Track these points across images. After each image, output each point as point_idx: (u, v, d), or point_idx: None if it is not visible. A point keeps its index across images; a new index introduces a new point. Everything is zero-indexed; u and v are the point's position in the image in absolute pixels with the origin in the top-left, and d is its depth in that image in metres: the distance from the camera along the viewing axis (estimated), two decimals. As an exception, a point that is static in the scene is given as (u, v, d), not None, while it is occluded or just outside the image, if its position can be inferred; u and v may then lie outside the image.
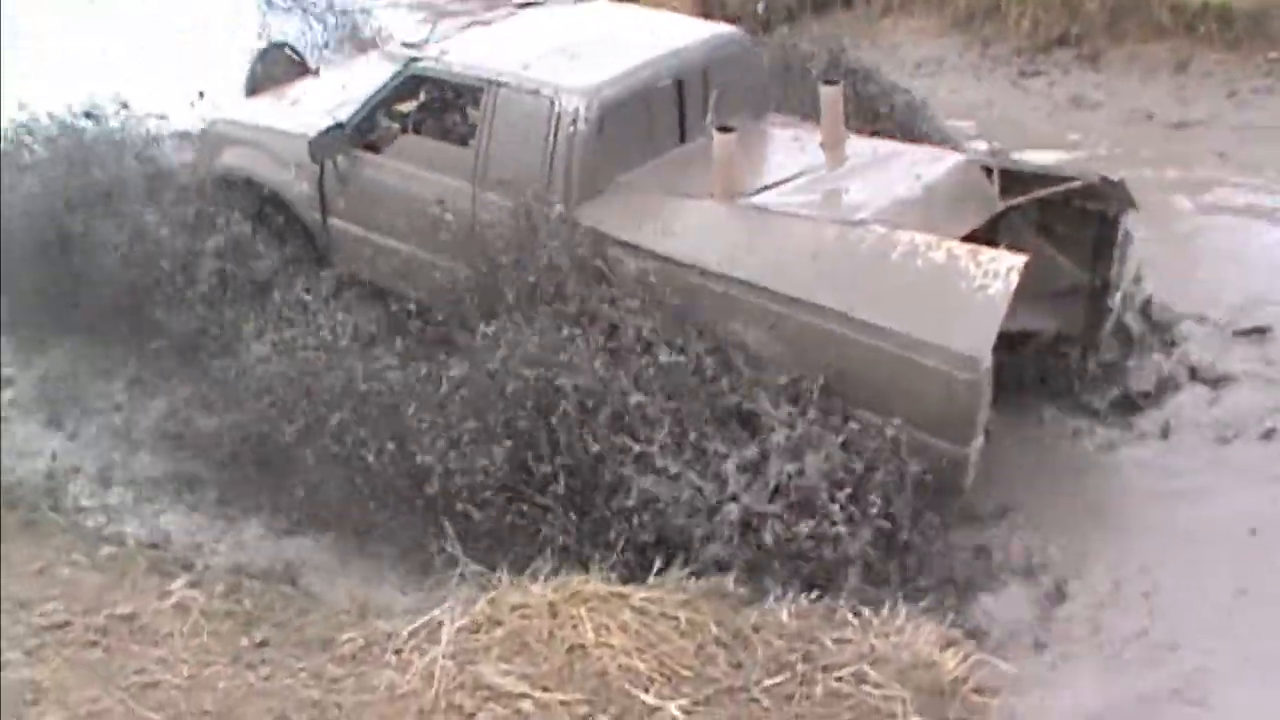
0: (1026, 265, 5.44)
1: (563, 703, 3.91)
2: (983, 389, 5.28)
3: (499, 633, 4.21)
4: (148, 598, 4.57)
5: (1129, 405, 6.45)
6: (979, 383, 5.25)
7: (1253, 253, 7.77)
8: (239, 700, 3.96)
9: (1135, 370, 6.64)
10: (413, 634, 4.23)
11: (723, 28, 7.23)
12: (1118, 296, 6.45)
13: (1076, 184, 6.17)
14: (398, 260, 6.60)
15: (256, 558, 5.33)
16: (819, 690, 4.02)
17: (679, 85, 6.46)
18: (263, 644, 4.32)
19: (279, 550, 5.41)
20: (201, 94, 7.81)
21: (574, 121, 6.07)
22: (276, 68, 7.88)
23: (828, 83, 6.67)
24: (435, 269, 6.38)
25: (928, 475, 5.28)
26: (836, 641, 4.30)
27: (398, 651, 4.18)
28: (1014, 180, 6.26)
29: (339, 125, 6.65)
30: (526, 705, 3.91)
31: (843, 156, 6.53)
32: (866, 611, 4.45)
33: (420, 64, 6.70)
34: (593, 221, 6.05)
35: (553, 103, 6.11)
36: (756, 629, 4.31)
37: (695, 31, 6.98)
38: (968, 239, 5.71)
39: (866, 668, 4.11)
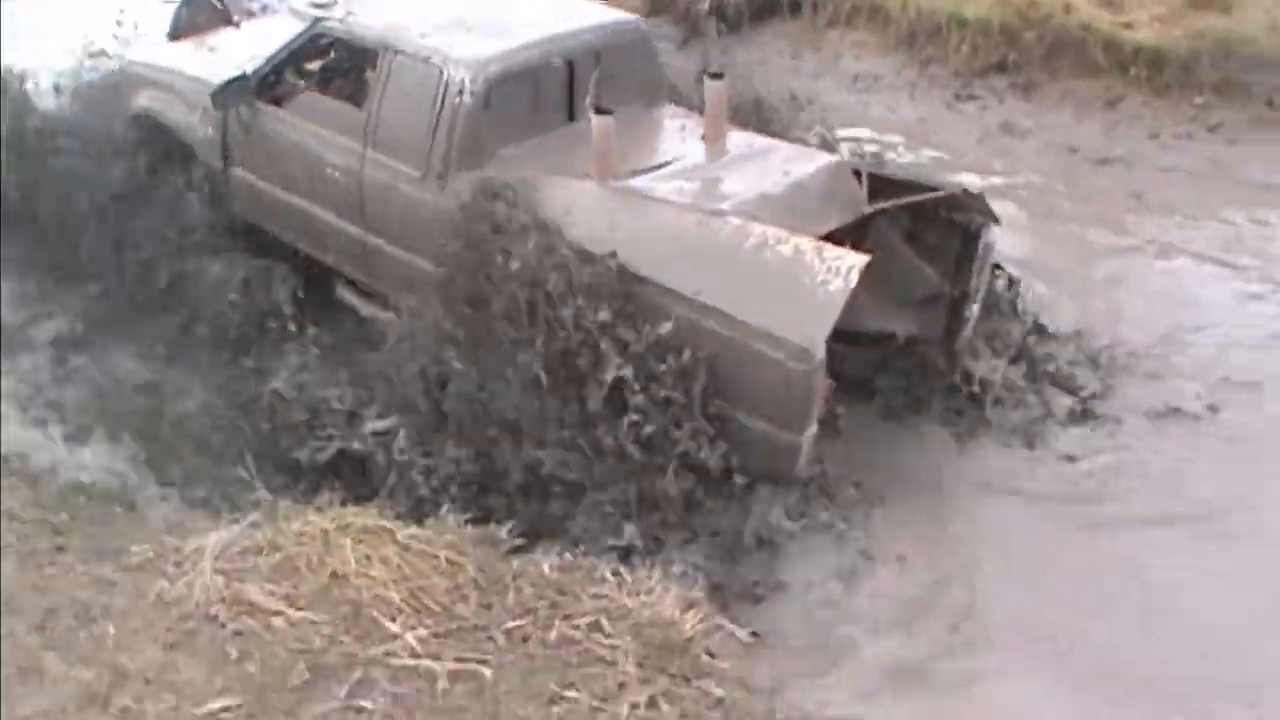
0: (885, 268, 5.70)
1: (312, 622, 4.15)
2: (816, 380, 5.51)
3: (276, 556, 4.49)
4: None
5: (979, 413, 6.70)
6: (812, 373, 5.38)
7: (1151, 288, 7.98)
8: (14, 593, 4.30)
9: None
10: (196, 551, 4.55)
11: (622, 16, 7.31)
12: (974, 307, 6.68)
13: (939, 195, 6.37)
14: (291, 212, 6.83)
15: (102, 479, 5.67)
16: (553, 635, 4.21)
17: (570, 66, 6.61)
18: (60, 549, 4.64)
19: (124, 475, 5.74)
20: (119, 21, 8.12)
21: (460, 92, 6.21)
22: (200, 16, 8.13)
23: (712, 76, 6.83)
24: (323, 224, 6.66)
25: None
26: (592, 596, 4.56)
27: (178, 564, 4.50)
28: (885, 186, 6.50)
29: (243, 76, 6.85)
30: (278, 621, 4.14)
31: (722, 149, 6.61)
32: (624, 571, 4.71)
33: (325, 24, 6.89)
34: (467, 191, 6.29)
35: (441, 71, 6.26)
36: (516, 576, 4.55)
37: (593, 16, 7.08)
38: (834, 239, 5.85)
39: (603, 620, 4.28)
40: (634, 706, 3.80)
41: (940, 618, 4.95)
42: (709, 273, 5.65)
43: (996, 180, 9.31)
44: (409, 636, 4.03)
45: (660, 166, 6.41)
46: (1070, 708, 4.52)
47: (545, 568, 4.54)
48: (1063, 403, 6.55)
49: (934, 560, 5.36)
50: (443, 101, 6.30)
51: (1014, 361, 6.94)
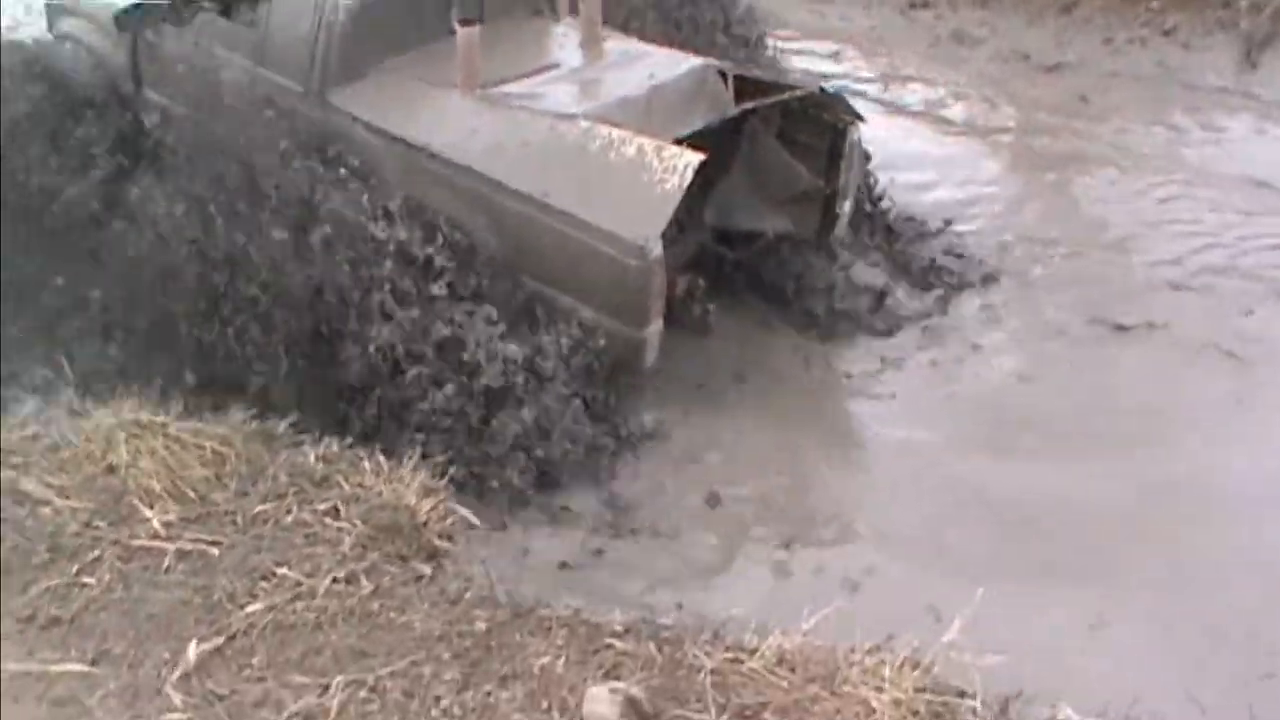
0: (760, 168, 5.85)
1: (74, 509, 4.62)
2: (653, 275, 5.74)
3: (64, 452, 4.96)
4: None
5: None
6: (649, 269, 5.67)
7: (1071, 193, 7.96)
8: None
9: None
10: (-15, 445, 4.97)
11: None
12: (845, 204, 6.76)
13: (798, 94, 6.51)
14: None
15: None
16: (289, 519, 4.60)
17: None
18: None
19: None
20: None
21: (335, 8, 6.61)
22: None
23: None
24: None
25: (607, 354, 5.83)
26: (349, 485, 4.91)
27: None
28: (753, 88, 6.60)
29: (143, 4, 7.13)
30: (45, 510, 4.63)
31: (597, 56, 6.91)
32: (384, 461, 5.03)
33: None
34: (343, 103, 6.58)
35: None
36: (278, 467, 4.95)
37: None
38: (702, 139, 6.07)
39: (340, 504, 4.69)
40: (334, 580, 4.07)
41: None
42: (557, 174, 5.91)
43: (940, 90, 9.22)
44: (155, 521, 4.40)
45: (532, 74, 6.65)
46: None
47: (311, 458, 4.84)
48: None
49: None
50: (321, 17, 6.62)
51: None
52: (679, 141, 5.94)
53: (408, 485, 4.65)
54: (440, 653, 3.74)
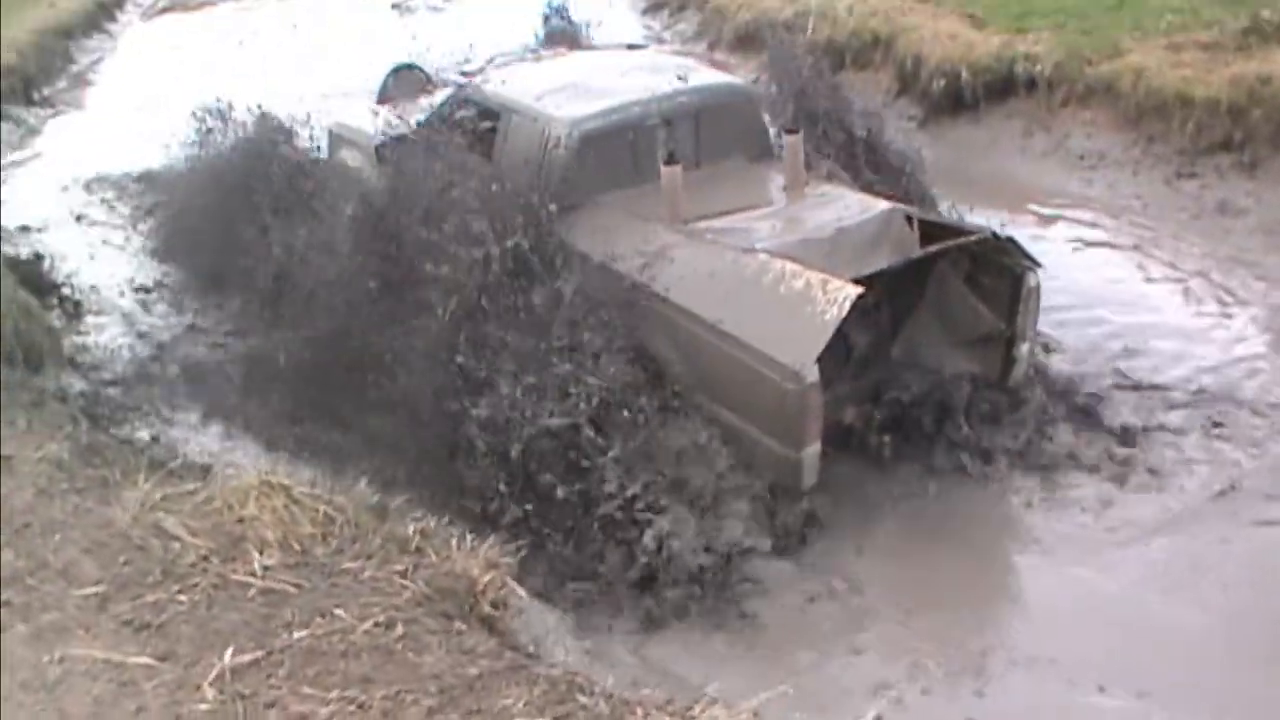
0: (947, 310, 6.80)
1: (196, 546, 5.41)
2: (808, 399, 6.18)
3: (212, 504, 5.83)
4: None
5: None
6: (804, 394, 6.17)
7: None
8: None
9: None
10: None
11: (727, 80, 8.55)
12: (1024, 347, 6.92)
13: (973, 238, 6.88)
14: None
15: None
16: (366, 574, 5.23)
17: (667, 124, 7.68)
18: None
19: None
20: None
21: (557, 145, 7.55)
22: (404, 84, 10.02)
23: (789, 131, 7.72)
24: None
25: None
26: (435, 554, 5.49)
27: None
28: (939, 233, 7.00)
29: (404, 137, 8.44)
30: (175, 544, 5.46)
31: (797, 199, 7.55)
32: (469, 540, 5.58)
33: (464, 91, 8.48)
34: (561, 230, 7.40)
35: (544, 129, 7.63)
36: (379, 533, 5.60)
37: (698, 80, 8.25)
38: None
39: (412, 567, 5.28)
40: (375, 624, 4.65)
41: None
42: (732, 302, 6.56)
43: (1195, 260, 9.16)
44: (256, 563, 5.14)
45: (733, 212, 7.37)
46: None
47: (410, 529, 5.48)
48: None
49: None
50: (545, 153, 7.53)
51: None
52: (861, 280, 6.47)
53: (477, 558, 5.09)
54: (429, 687, 4.14)
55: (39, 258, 10.13)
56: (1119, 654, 5.82)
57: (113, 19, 22.06)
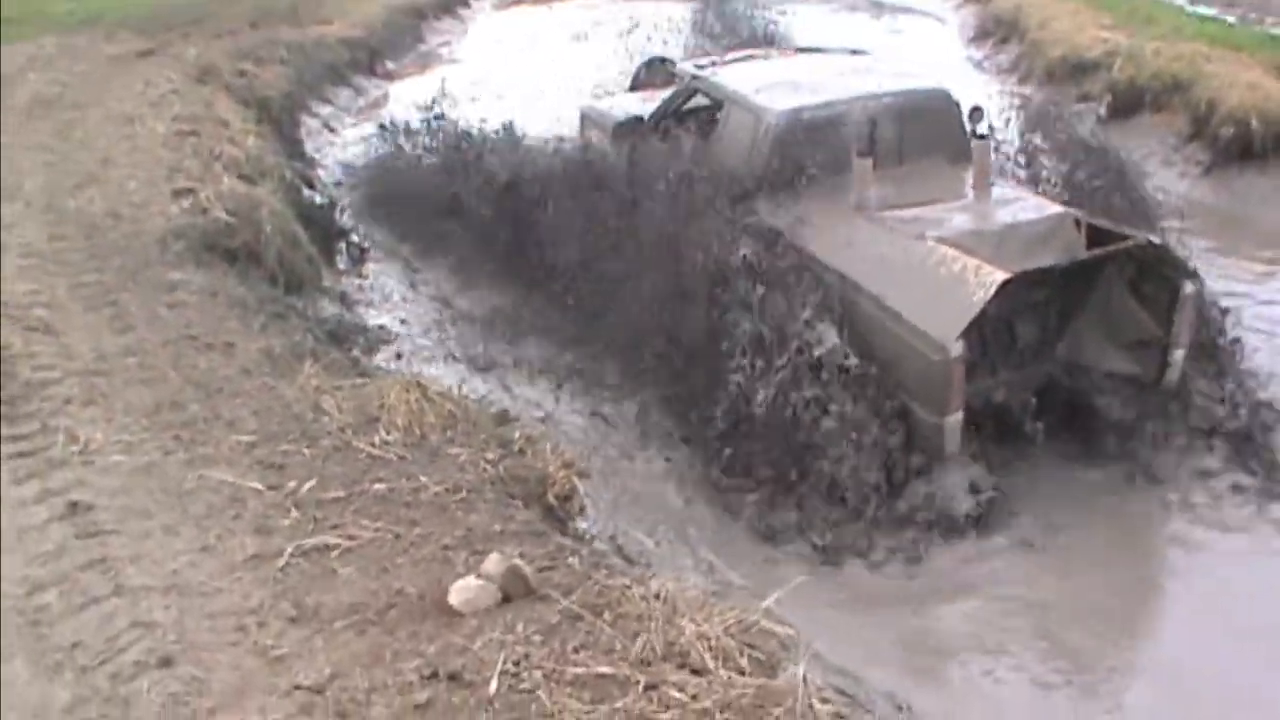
0: (1110, 313, 7.44)
1: (340, 419, 6.49)
2: (952, 370, 6.82)
3: (365, 392, 6.94)
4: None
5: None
6: (948, 364, 6.86)
7: None
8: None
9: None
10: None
11: (929, 86, 9.14)
12: (1177, 354, 7.30)
13: (1128, 244, 7.25)
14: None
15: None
16: (461, 458, 6.16)
17: (871, 122, 8.37)
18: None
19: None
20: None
21: (766, 133, 8.43)
22: (655, 74, 11.08)
23: (978, 137, 8.24)
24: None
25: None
26: (529, 451, 6.38)
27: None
28: (1107, 238, 7.53)
29: (639, 118, 9.68)
30: (324, 418, 6.58)
31: (982, 198, 8.19)
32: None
33: (694, 81, 9.54)
34: (763, 210, 8.35)
35: (758, 118, 8.55)
36: (490, 433, 6.53)
37: (903, 84, 9.05)
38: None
39: (497, 457, 6.17)
40: (445, 489, 5.60)
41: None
42: (898, 280, 7.37)
43: None
44: (379, 437, 6.21)
45: (920, 204, 8.10)
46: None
47: (516, 434, 6.41)
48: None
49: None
50: (756, 139, 8.44)
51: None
52: (1027, 274, 7.18)
53: (558, 460, 5.95)
54: (456, 532, 5.06)
55: (332, 204, 11.76)
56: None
57: (466, 5, 24.54)
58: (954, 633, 6.63)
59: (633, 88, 11.55)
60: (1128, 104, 14.98)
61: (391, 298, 11.11)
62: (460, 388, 7.22)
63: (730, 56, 10.83)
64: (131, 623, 4.61)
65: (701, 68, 10.24)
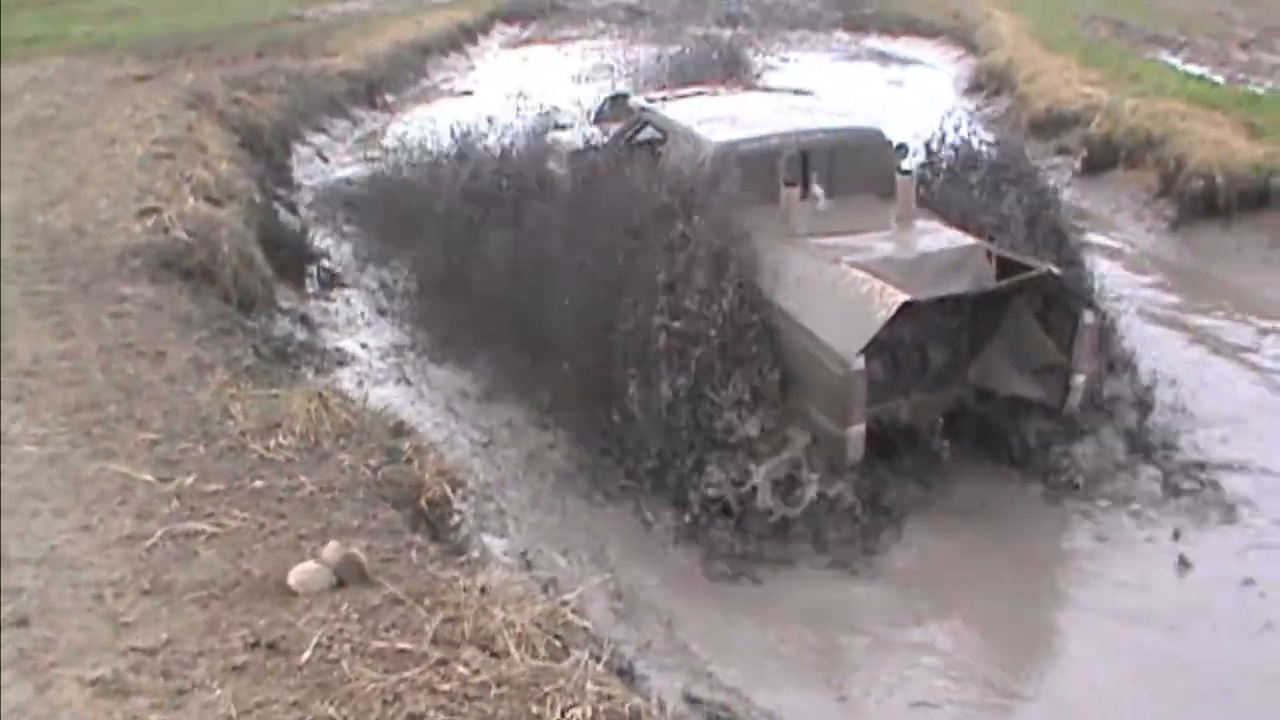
0: (1019, 341, 8.08)
1: (241, 425, 7.17)
2: (853, 383, 7.40)
3: (277, 400, 7.57)
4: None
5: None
6: (850, 378, 7.44)
7: None
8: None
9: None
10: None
11: (861, 124, 9.89)
12: (1077, 379, 8.00)
13: (1030, 275, 7.88)
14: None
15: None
16: (347, 462, 6.77)
17: (804, 155, 9.11)
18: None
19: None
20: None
21: (704, 162, 9.10)
22: (617, 109, 11.83)
23: (902, 173, 8.86)
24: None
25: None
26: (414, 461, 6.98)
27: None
28: (1015, 269, 8.19)
29: (594, 146, 10.44)
30: (229, 421, 7.24)
31: (904, 229, 8.84)
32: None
33: (644, 113, 10.35)
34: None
35: (697, 148, 9.25)
36: (380, 441, 7.13)
37: (838, 122, 9.79)
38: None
39: (382, 463, 6.77)
40: (320, 489, 6.20)
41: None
42: (810, 300, 8.04)
43: None
44: (274, 441, 6.83)
45: (844, 234, 8.75)
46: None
47: (407, 444, 7.00)
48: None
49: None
50: (694, 166, 9.18)
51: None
52: (936, 300, 7.93)
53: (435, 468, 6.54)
54: (314, 525, 5.63)
55: (304, 230, 12.49)
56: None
57: (474, 42, 25.45)
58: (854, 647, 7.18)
59: (596, 121, 12.27)
60: (1103, 159, 15.49)
61: (355, 322, 11.75)
62: (365, 399, 7.79)
63: (680, 92, 11.54)
64: (2, 589, 5.20)
65: (652, 101, 10.95)
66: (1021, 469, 8.47)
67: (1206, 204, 13.41)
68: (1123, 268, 12.95)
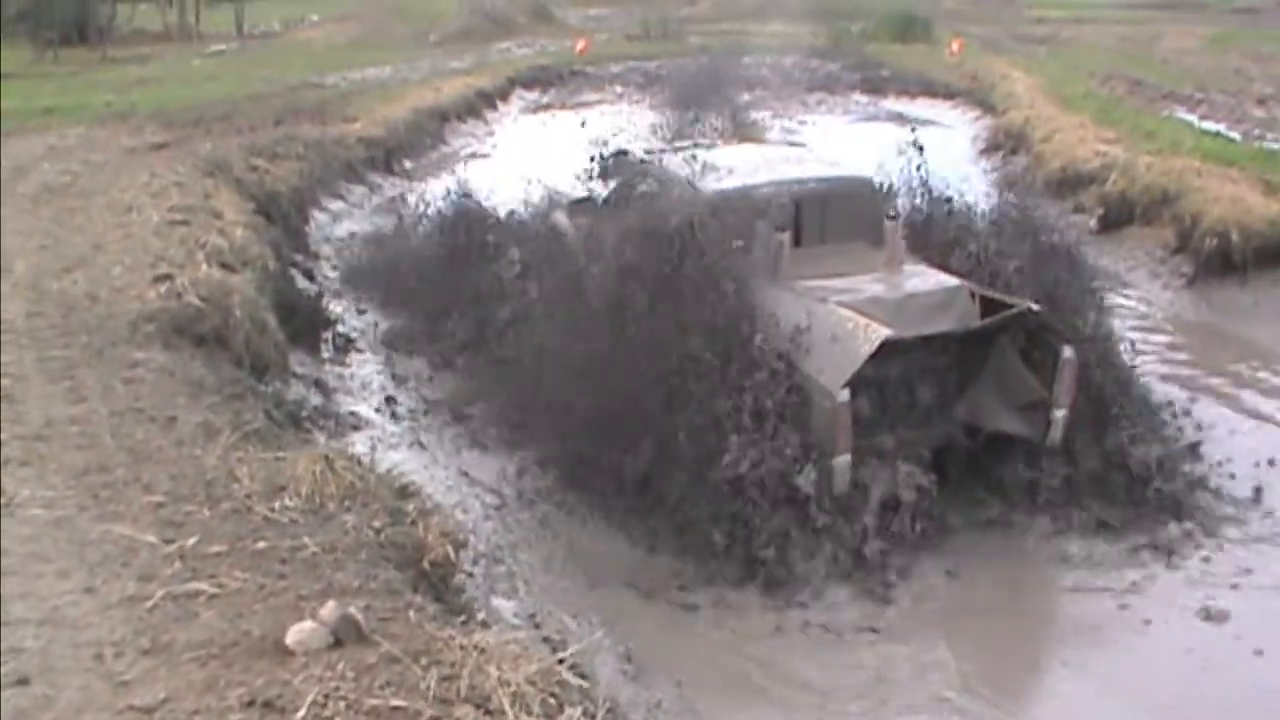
0: (1003, 378, 8.40)
1: (247, 487, 7.31)
2: (838, 415, 7.59)
3: (285, 463, 7.71)
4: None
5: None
6: (836, 410, 7.64)
7: None
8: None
9: None
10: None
11: (852, 175, 10.19)
12: (1058, 414, 8.18)
13: (1011, 313, 8.09)
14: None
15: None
16: (351, 524, 6.88)
17: (797, 205, 9.40)
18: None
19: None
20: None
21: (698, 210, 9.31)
22: (620, 165, 12.06)
23: (889, 218, 9.09)
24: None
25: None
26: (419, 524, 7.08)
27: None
28: (997, 308, 8.43)
29: (589, 199, 10.80)
30: (234, 484, 7.38)
31: (892, 273, 9.16)
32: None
33: (643, 167, 10.78)
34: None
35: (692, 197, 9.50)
36: (385, 503, 7.25)
37: (829, 173, 10.13)
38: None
39: (386, 524, 6.87)
40: (324, 549, 6.33)
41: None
42: (800, 338, 8.39)
43: None
44: (279, 503, 6.95)
45: (834, 277, 9.11)
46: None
47: (411, 506, 7.13)
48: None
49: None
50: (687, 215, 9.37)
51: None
52: (927, 339, 8.32)
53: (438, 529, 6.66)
54: (315, 586, 5.73)
55: (319, 296, 12.73)
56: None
57: (493, 108, 25.89)
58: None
59: (600, 176, 12.57)
60: (1119, 216, 15.62)
61: (370, 385, 11.94)
62: (372, 460, 7.92)
63: (677, 144, 11.81)
64: (4, 649, 5.31)
65: (650, 154, 11.24)
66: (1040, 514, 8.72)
67: (1223, 260, 13.57)
68: (1139, 325, 13.02)
